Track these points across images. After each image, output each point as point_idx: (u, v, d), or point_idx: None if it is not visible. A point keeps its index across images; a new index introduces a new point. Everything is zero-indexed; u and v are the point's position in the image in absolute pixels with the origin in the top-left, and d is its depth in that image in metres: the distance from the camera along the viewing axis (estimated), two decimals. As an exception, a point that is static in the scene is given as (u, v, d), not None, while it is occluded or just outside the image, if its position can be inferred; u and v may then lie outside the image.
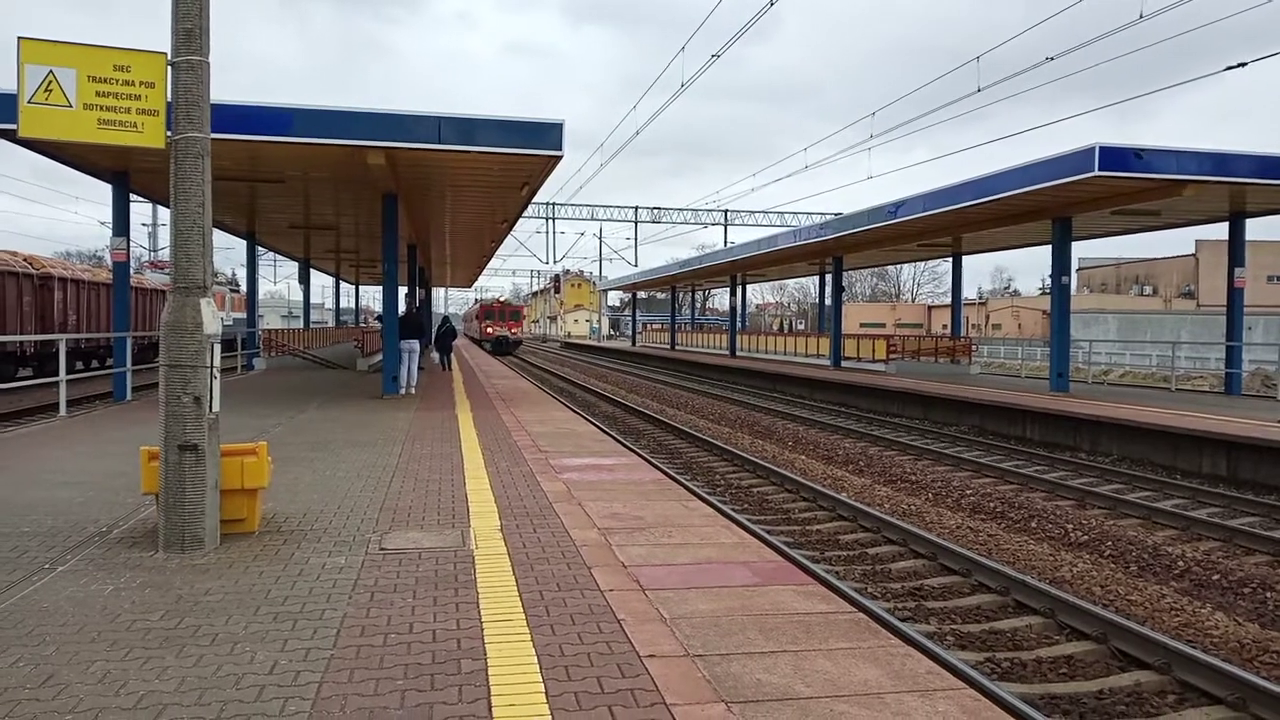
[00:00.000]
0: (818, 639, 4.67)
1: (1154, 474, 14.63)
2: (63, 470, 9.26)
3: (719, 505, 11.66)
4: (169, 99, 6.52)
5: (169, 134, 6.49)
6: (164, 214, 50.31)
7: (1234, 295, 22.38)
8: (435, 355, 29.21)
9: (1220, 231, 23.23)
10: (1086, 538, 10.73)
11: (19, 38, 6.40)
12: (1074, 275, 26.63)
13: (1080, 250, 46.72)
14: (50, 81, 6.40)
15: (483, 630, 4.68)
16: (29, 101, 6.40)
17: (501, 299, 76.53)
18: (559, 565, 5.93)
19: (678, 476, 13.59)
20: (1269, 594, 8.61)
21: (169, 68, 6.45)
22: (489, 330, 67.24)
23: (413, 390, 19.21)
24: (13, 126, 7.13)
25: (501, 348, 64.42)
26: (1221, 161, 17.58)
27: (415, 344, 19.62)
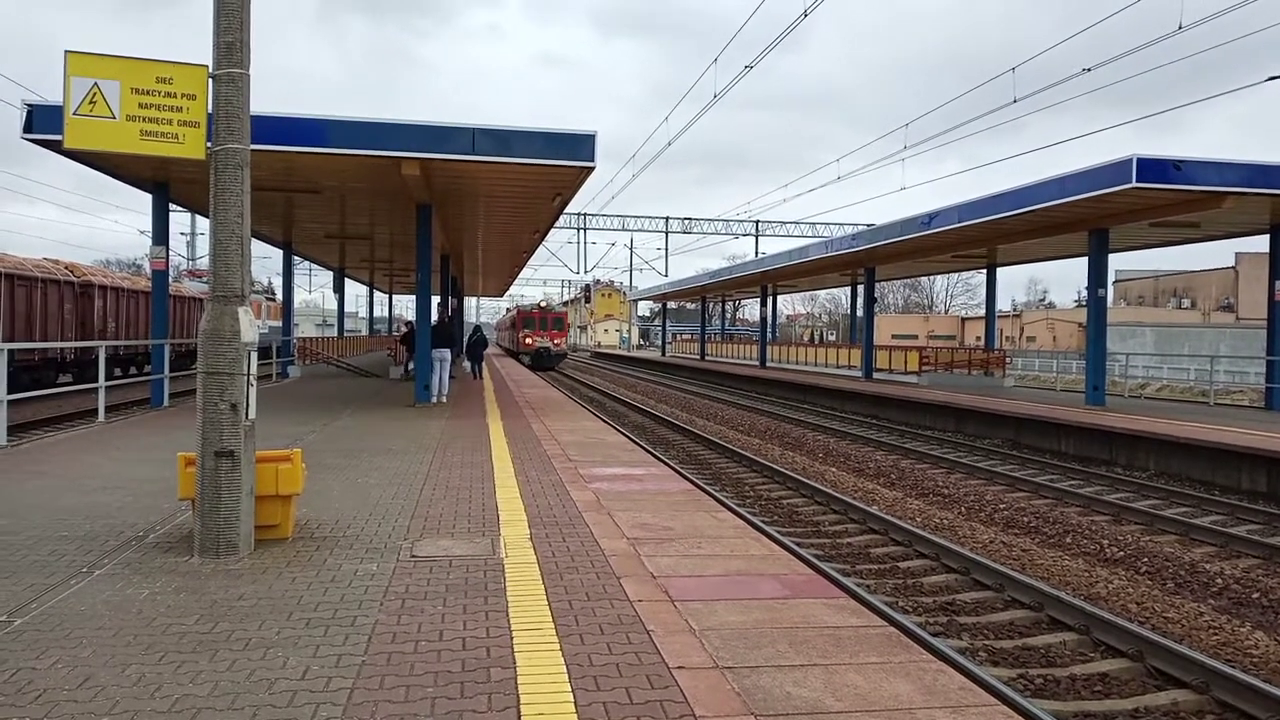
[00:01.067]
0: (848, 653, 4.64)
1: (1192, 489, 14.39)
2: (100, 475, 9.40)
3: (749, 517, 11.62)
4: (209, 111, 6.62)
5: (209, 145, 6.60)
6: (202, 223, 51.25)
7: (1275, 308, 22.00)
8: (466, 364, 29.37)
9: (1261, 244, 22.86)
10: (1122, 554, 10.58)
11: (66, 51, 6.54)
12: (1110, 288, 26.27)
13: (1117, 262, 46.14)
14: (95, 94, 6.53)
15: (512, 639, 4.69)
16: (74, 113, 6.53)
17: (542, 304, 60.14)
18: (588, 575, 5.94)
19: (707, 487, 13.56)
20: (1311, 614, 8.44)
21: (210, 80, 6.56)
22: (528, 341, 55.48)
23: (444, 399, 19.28)
24: (59, 138, 7.27)
25: (542, 362, 53.54)
26: (1263, 172, 17.30)
27: (447, 353, 19.75)
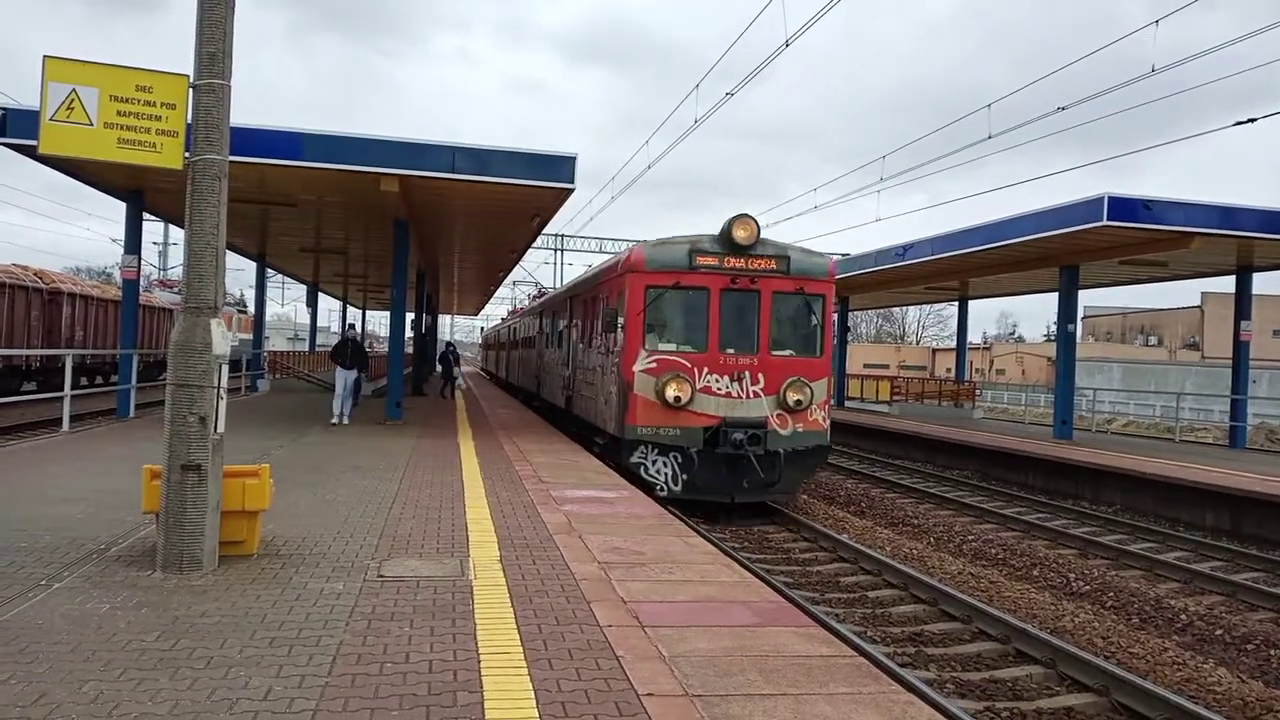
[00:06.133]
0: (818, 682, 4.62)
1: (1157, 525, 14.53)
2: (63, 486, 9.24)
3: (719, 543, 11.60)
4: (188, 121, 6.58)
5: (187, 155, 6.55)
6: (175, 233, 50.72)
7: (1240, 348, 22.35)
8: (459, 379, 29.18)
9: (1227, 284, 23.25)
10: (1089, 588, 10.65)
11: (45, 57, 6.48)
12: (1079, 323, 26.63)
13: (1086, 298, 46.83)
14: (73, 100, 6.46)
15: (480, 662, 4.64)
16: (51, 119, 6.46)
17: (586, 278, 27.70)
18: (558, 599, 5.89)
19: (678, 513, 13.51)
20: (1273, 651, 8.52)
21: (190, 90, 6.52)
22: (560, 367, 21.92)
23: (345, 421, 17.26)
24: (33, 143, 7.19)
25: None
26: (1229, 215, 17.61)
27: (354, 373, 18.04)
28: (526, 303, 42.86)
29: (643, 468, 13.59)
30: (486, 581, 6.21)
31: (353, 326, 21.70)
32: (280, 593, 5.71)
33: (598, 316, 16.23)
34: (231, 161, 6.66)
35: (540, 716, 4.02)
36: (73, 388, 15.40)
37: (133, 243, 17.69)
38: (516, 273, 42.10)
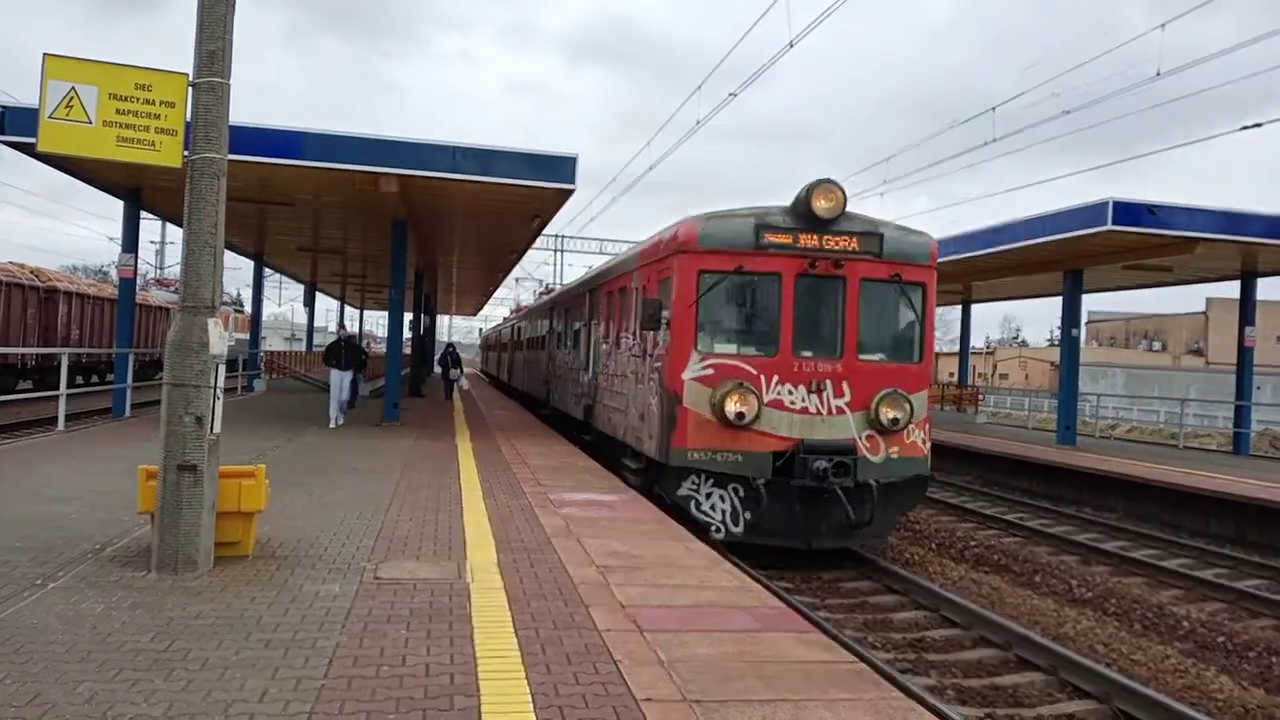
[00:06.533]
0: (818, 688, 4.57)
1: (1160, 532, 14.48)
2: (58, 485, 9.19)
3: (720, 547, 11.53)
4: (187, 119, 6.54)
5: (186, 154, 6.51)
6: (173, 232, 50.64)
7: (1244, 354, 22.29)
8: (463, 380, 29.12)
9: (1232, 290, 23.20)
10: (1091, 594, 10.60)
11: (44, 54, 6.45)
12: (1083, 328, 26.60)
13: (1090, 303, 46.73)
14: (72, 98, 6.43)
15: (477, 666, 4.59)
16: (50, 116, 6.42)
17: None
18: (556, 602, 5.84)
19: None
20: (1275, 659, 8.47)
21: (190, 88, 6.48)
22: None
23: (339, 423, 16.87)
24: (32, 140, 7.15)
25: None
26: (1234, 220, 17.56)
27: (347, 376, 17.53)
28: (531, 300, 40.11)
29: (693, 502, 10.78)
30: (484, 584, 6.16)
31: (344, 326, 21.49)
32: (276, 594, 5.66)
33: (631, 311, 13.27)
34: (230, 160, 6.62)
35: (538, 722, 3.97)
36: (68, 387, 15.36)
37: (130, 241, 17.65)
38: (519, 270, 41.80)
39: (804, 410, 10.77)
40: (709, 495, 10.80)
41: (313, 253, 27.32)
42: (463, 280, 35.47)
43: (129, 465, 9.69)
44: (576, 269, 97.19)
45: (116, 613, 5.15)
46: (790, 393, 10.77)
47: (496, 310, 71.51)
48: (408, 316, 26.78)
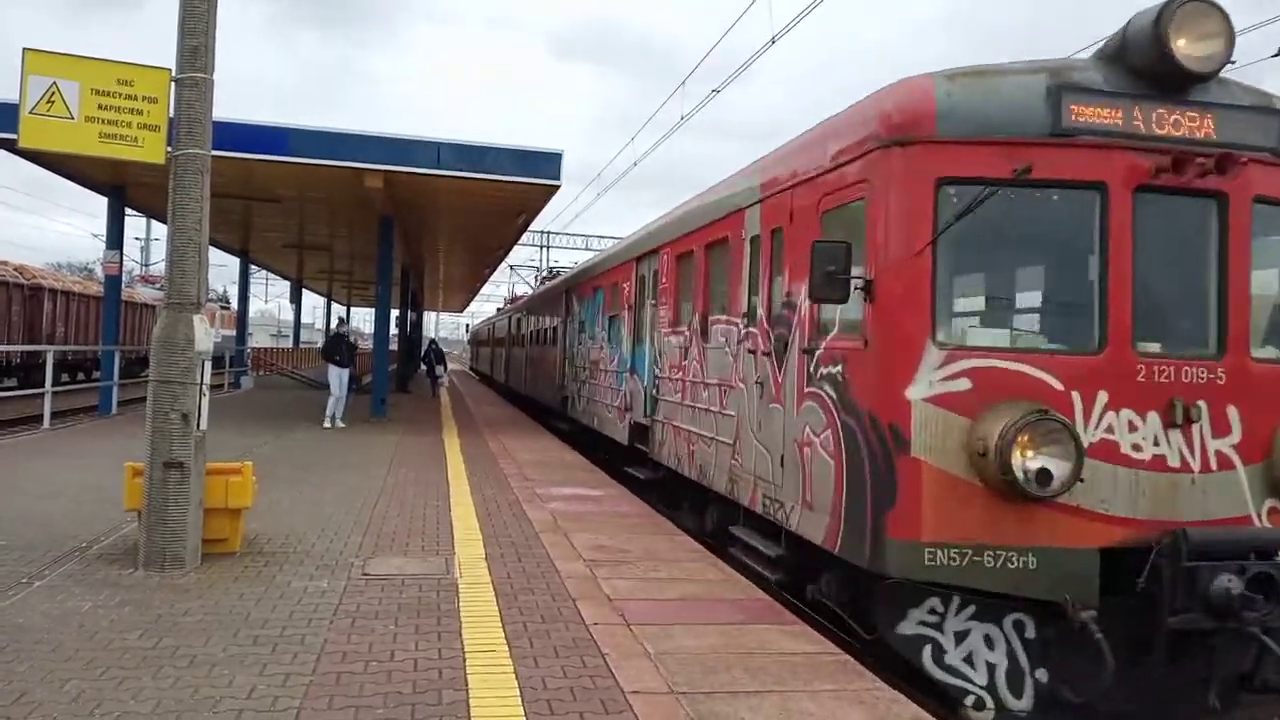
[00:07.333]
0: (803, 680, 4.62)
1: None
2: (44, 483, 9.16)
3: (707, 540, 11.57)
4: (170, 115, 6.52)
5: (169, 150, 6.49)
6: (158, 228, 50.30)
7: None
8: (443, 376, 29.12)
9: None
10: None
11: (24, 49, 6.43)
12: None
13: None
14: (53, 93, 6.41)
15: (465, 660, 4.62)
16: (31, 112, 6.40)
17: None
18: (543, 596, 5.87)
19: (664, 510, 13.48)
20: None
21: (172, 84, 6.46)
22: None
23: (339, 424, 16.29)
24: (13, 136, 7.11)
25: None
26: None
27: (345, 373, 16.70)
28: (530, 290, 34.26)
29: (930, 648, 5.57)
30: (472, 579, 6.19)
31: (343, 321, 21.33)
32: (264, 590, 5.67)
33: (740, 278, 8.10)
34: (214, 156, 6.61)
35: (526, 714, 4.00)
36: (54, 384, 15.28)
37: (114, 238, 17.57)
38: (513, 257, 41.36)
39: (1158, 462, 5.53)
40: (963, 635, 5.61)
41: (298, 249, 27.23)
42: (449, 276, 35.41)
43: (115, 462, 9.65)
44: (562, 264, 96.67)
45: (103, 610, 5.15)
46: (1133, 424, 5.53)
47: (484, 307, 70.95)
48: (394, 313, 26.71)
